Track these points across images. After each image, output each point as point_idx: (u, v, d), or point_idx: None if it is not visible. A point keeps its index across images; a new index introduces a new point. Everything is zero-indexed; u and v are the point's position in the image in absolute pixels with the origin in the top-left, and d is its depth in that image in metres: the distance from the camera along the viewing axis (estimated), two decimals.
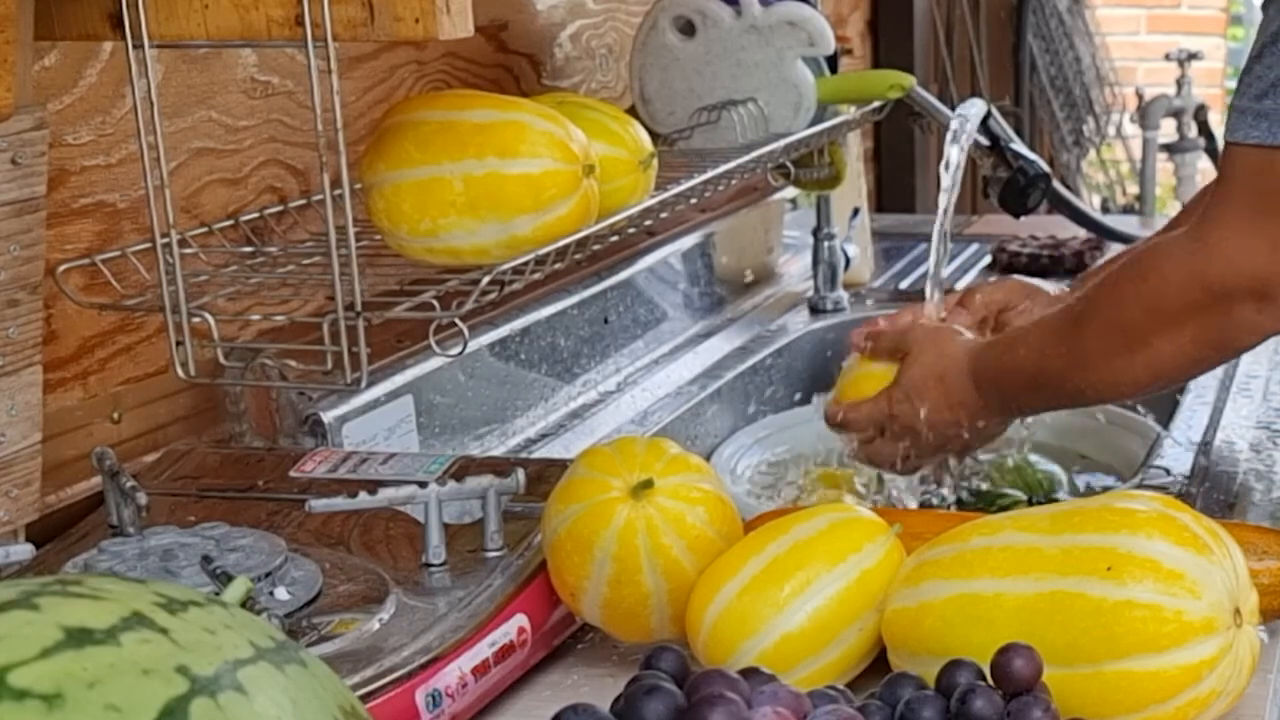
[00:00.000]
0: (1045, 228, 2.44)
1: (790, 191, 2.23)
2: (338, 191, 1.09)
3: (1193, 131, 4.25)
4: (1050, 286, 1.62)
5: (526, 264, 1.17)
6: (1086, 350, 1.34)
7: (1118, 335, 1.31)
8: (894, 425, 1.49)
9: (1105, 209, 4.30)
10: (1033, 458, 1.74)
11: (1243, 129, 1.22)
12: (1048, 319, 1.41)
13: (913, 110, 1.86)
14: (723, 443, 1.82)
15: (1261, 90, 1.21)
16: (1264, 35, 1.23)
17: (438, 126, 1.16)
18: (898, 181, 2.97)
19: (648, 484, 1.00)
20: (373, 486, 1.08)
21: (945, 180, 1.68)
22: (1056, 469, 1.75)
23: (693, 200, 1.48)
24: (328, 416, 1.35)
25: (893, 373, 1.51)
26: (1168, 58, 4.32)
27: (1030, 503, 1.69)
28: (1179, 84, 4.25)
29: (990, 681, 0.86)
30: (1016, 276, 1.69)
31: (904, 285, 2.28)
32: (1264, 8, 1.25)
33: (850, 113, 1.82)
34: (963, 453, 1.53)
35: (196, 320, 1.12)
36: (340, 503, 1.05)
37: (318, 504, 1.05)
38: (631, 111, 1.56)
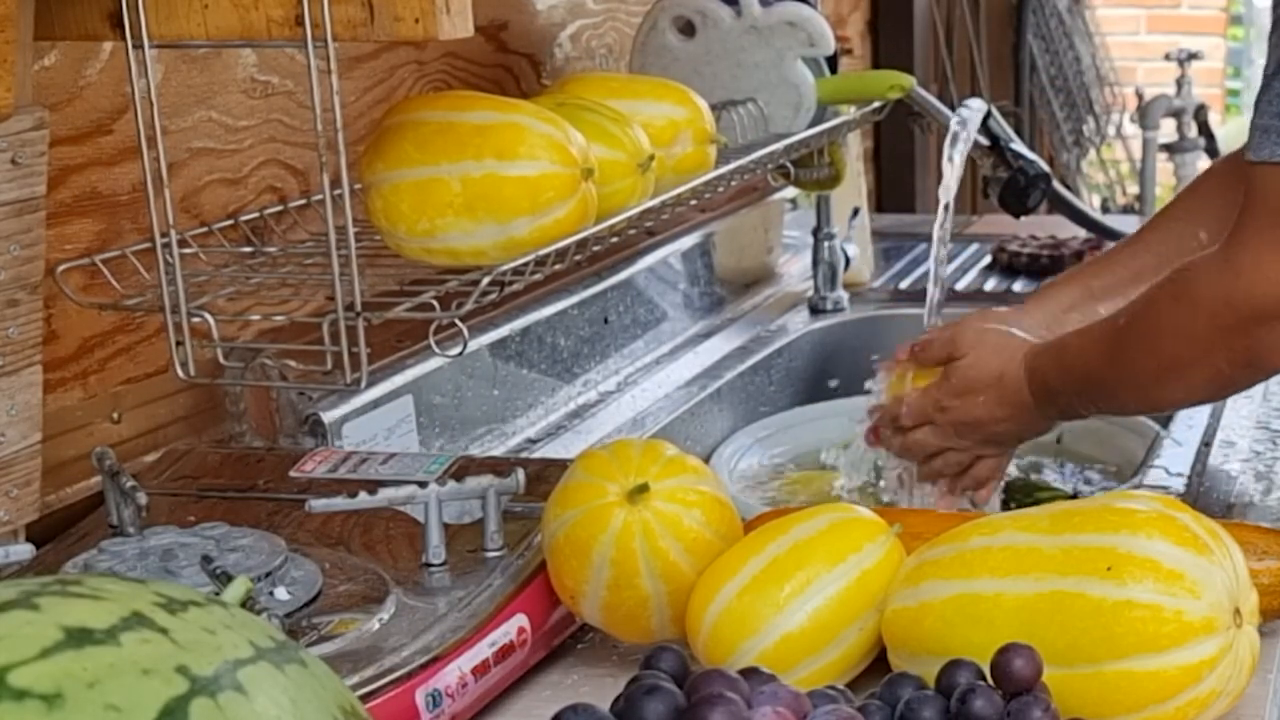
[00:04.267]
0: (1045, 228, 2.44)
1: (790, 191, 2.23)
2: (337, 191, 1.09)
3: (1193, 131, 4.26)
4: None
5: (527, 265, 1.17)
6: (1127, 369, 1.35)
7: (1153, 359, 1.32)
8: (941, 418, 1.50)
9: (1105, 209, 4.30)
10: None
11: (1267, 147, 1.20)
12: (1095, 329, 1.41)
13: (913, 110, 1.86)
14: (722, 443, 1.81)
15: None
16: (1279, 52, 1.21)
17: (437, 127, 1.16)
18: (898, 181, 2.97)
19: (643, 488, 1.00)
20: (373, 486, 1.08)
21: (945, 181, 1.67)
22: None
23: (692, 201, 1.48)
24: (328, 416, 1.35)
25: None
26: (1168, 58, 4.32)
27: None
28: (1179, 84, 4.26)
29: (990, 681, 0.86)
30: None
31: (904, 285, 2.28)
32: (1274, 30, 1.23)
33: (850, 113, 1.82)
34: (1000, 450, 1.53)
35: (196, 320, 1.12)
36: (340, 503, 1.05)
37: (318, 504, 1.05)
38: None
